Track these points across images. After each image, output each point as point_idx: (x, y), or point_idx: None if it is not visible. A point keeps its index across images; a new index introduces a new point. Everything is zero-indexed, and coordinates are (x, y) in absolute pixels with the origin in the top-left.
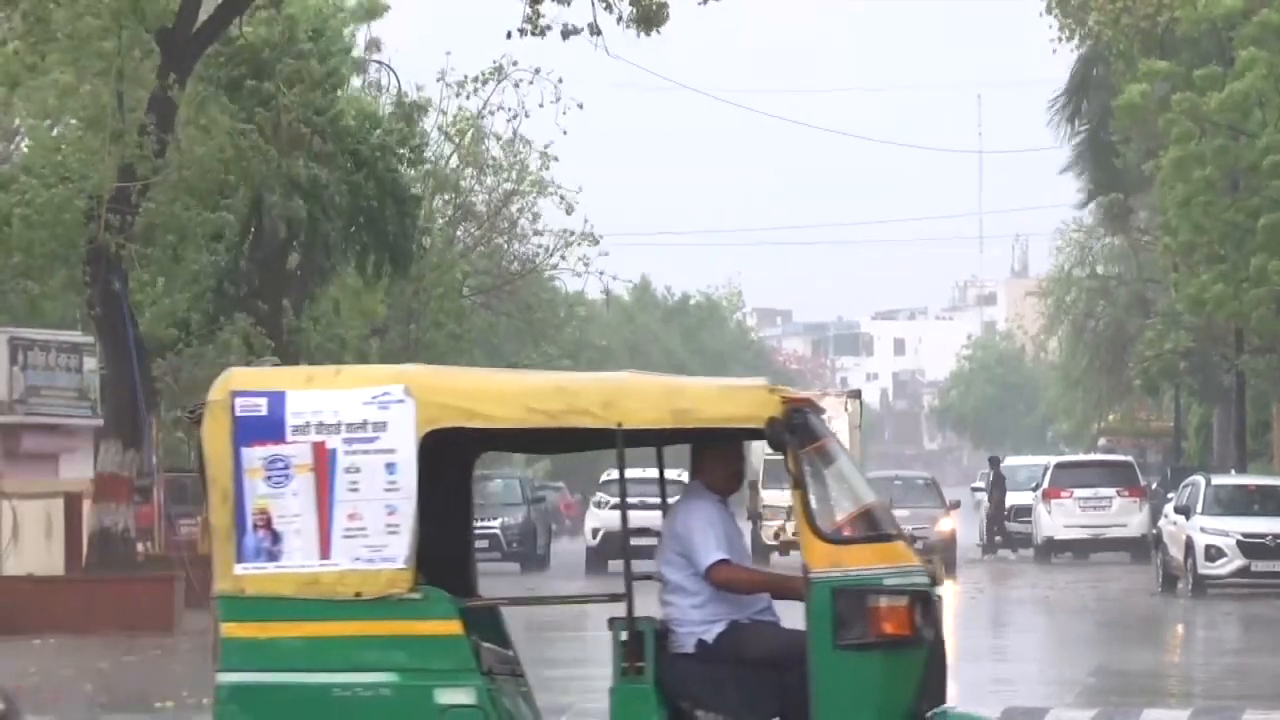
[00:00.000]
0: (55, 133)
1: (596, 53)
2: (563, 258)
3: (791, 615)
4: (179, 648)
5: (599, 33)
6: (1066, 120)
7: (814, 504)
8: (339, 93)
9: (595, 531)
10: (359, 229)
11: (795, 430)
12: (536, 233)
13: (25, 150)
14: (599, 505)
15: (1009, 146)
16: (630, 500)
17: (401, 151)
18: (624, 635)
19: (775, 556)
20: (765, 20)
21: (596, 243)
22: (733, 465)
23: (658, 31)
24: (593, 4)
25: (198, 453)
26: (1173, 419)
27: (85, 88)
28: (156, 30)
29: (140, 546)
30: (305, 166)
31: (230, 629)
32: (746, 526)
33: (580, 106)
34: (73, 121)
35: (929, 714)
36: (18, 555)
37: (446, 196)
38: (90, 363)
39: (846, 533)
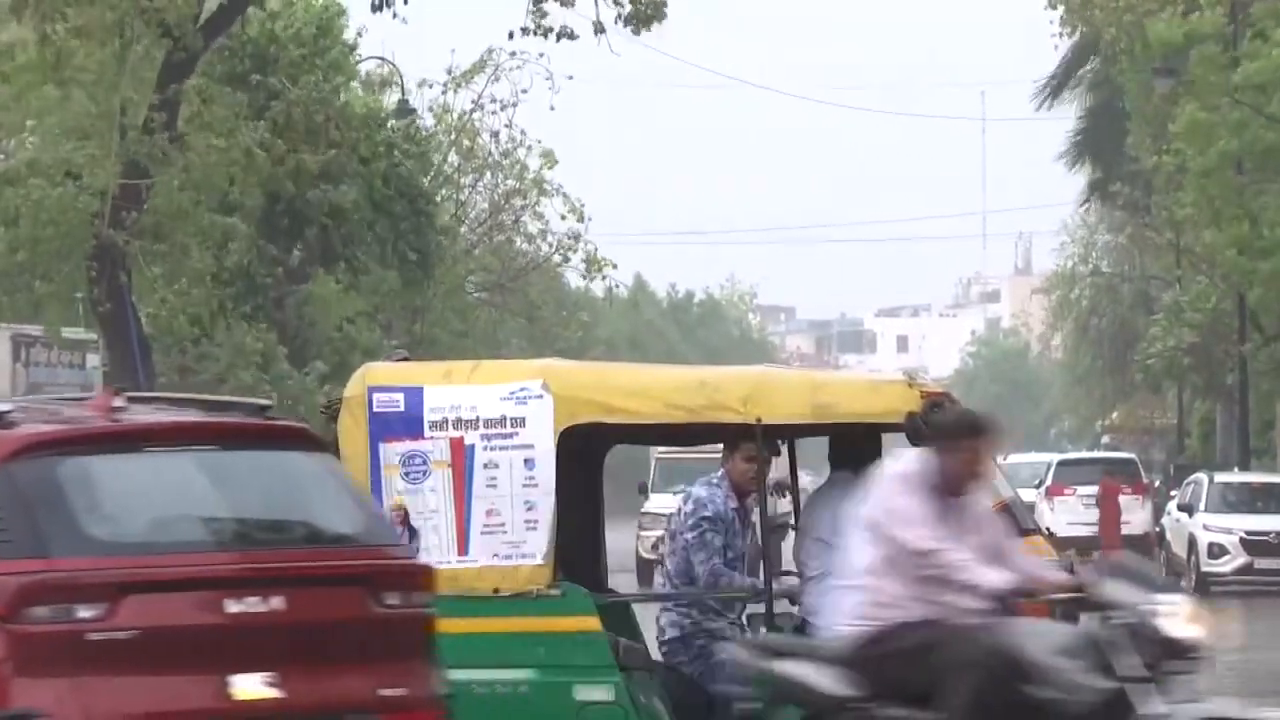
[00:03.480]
0: (60, 130)
1: (594, 50)
2: (566, 258)
3: None
4: None
5: (603, 31)
6: (1050, 98)
7: None
8: (342, 88)
9: None
10: (373, 222)
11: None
12: (540, 232)
13: (29, 145)
14: None
15: (1012, 144)
16: None
17: (406, 146)
18: (763, 631)
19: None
20: (765, 19)
21: (599, 263)
22: (878, 457)
23: (653, 26)
24: (596, 2)
25: (334, 449)
26: (1176, 416)
27: (90, 80)
28: (163, 27)
29: None
30: (322, 153)
31: None
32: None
33: (570, 78)
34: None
35: None
36: None
37: (447, 193)
38: (93, 359)
39: None
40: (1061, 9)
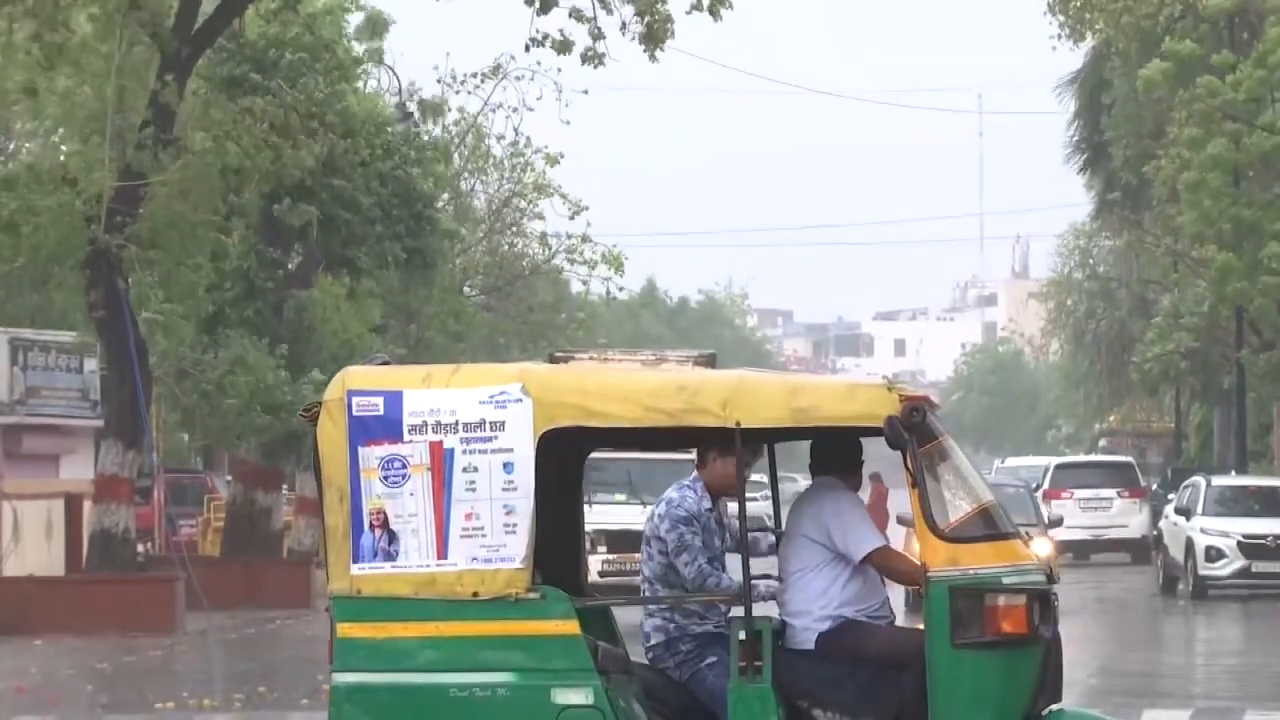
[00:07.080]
0: (57, 136)
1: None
2: (572, 262)
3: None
4: (179, 648)
5: (602, 37)
6: (1074, 96)
7: (931, 503)
8: (346, 88)
9: None
10: (374, 224)
11: (913, 428)
12: (541, 234)
13: (26, 150)
14: None
15: (1010, 147)
16: None
17: (406, 151)
18: (742, 635)
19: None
20: (766, 20)
21: (618, 260)
22: (858, 461)
23: (661, 49)
24: (594, 13)
25: (313, 452)
26: (1173, 420)
27: (85, 88)
28: (155, 29)
29: (140, 547)
30: (321, 152)
31: (346, 629)
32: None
33: (585, 92)
34: (73, 124)
35: (1045, 712)
36: (18, 556)
37: (447, 195)
38: (91, 363)
39: (964, 531)
40: (1059, 13)
